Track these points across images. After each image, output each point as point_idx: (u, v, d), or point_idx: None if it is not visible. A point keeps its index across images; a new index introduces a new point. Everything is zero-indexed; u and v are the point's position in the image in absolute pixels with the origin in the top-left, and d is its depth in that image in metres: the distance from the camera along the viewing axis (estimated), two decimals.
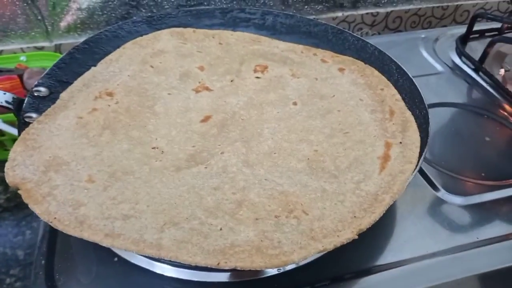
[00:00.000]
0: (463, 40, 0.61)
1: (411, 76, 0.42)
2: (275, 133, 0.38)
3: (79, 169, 0.32)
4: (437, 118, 0.49)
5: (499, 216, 0.41)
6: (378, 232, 0.36)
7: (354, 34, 0.50)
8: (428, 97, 0.51)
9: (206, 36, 0.51)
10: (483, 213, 0.41)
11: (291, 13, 0.54)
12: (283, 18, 0.53)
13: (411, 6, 0.78)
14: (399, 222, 0.38)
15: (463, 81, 0.56)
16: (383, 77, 0.44)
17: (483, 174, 0.44)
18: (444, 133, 0.47)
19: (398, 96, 0.41)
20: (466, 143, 0.47)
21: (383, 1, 0.79)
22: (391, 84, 0.43)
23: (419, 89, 0.41)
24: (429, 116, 0.38)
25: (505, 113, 0.51)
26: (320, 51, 0.49)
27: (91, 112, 0.38)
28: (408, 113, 0.39)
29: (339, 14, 0.77)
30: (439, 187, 0.41)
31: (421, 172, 0.42)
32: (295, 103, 0.42)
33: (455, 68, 0.58)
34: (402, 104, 0.40)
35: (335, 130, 0.38)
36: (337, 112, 0.40)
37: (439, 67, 0.58)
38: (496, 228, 0.40)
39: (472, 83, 0.55)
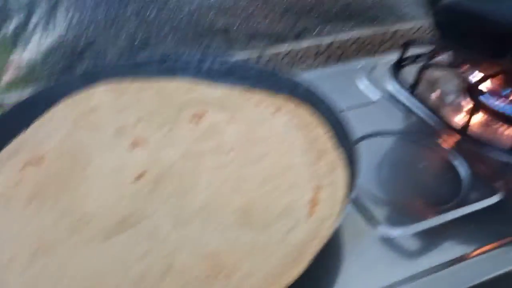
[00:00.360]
0: (397, 67, 0.64)
1: (339, 113, 0.44)
2: (209, 185, 0.38)
3: (2, 249, 0.31)
4: (373, 148, 0.50)
5: (444, 241, 0.42)
6: (322, 275, 0.36)
7: (287, 75, 0.51)
8: (364, 128, 0.52)
9: (143, 87, 0.51)
10: (428, 240, 0.41)
11: (226, 58, 0.55)
12: (219, 63, 0.54)
13: (351, 36, 0.81)
14: (344, 262, 0.38)
15: (398, 108, 0.58)
16: (315, 116, 0.45)
17: (423, 201, 0.45)
18: (380, 163, 0.49)
19: (329, 135, 0.42)
20: (403, 171, 0.48)
21: (324, 33, 0.82)
22: (322, 123, 0.44)
23: (347, 125, 0.42)
24: (363, 149, 0.39)
25: (439, 138, 0.52)
26: (256, 93, 0.50)
27: (18, 183, 0.37)
28: (337, 152, 0.40)
29: (283, 48, 0.79)
30: (380, 220, 0.42)
31: (360, 207, 0.42)
32: (230, 151, 0.42)
33: (390, 96, 0.60)
34: (332, 143, 0.41)
35: (268, 176, 0.38)
36: (271, 156, 0.40)
37: (375, 96, 0.60)
38: (443, 254, 0.40)
39: (407, 110, 0.57)
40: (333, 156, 0.39)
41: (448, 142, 0.51)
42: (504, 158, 0.49)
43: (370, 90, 0.61)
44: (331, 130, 0.43)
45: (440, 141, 0.52)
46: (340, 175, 0.37)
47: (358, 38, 0.80)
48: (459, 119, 0.54)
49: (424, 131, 0.54)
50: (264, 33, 0.81)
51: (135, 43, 0.73)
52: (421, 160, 0.50)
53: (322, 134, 0.42)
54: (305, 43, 0.78)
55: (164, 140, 0.44)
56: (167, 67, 0.54)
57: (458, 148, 0.51)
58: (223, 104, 0.48)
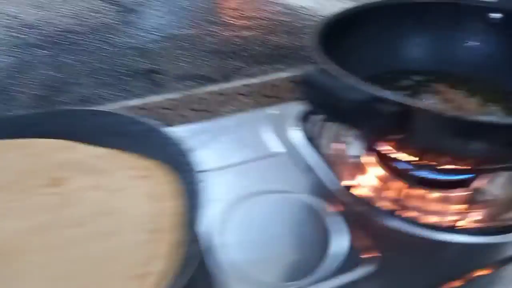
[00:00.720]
0: (305, 115, 0.61)
1: (199, 182, 0.41)
2: (30, 272, 0.35)
3: None
4: (252, 210, 0.47)
5: None
6: None
7: (166, 133, 0.49)
8: (255, 184, 0.50)
9: (12, 146, 0.48)
10: None
11: (112, 111, 0.52)
12: (102, 117, 0.52)
13: (283, 76, 0.79)
14: None
15: (296, 163, 0.54)
16: (177, 185, 0.42)
17: (295, 273, 0.41)
18: (252, 229, 0.45)
19: (180, 210, 0.39)
20: (279, 239, 0.44)
21: (255, 73, 0.80)
22: (180, 194, 0.41)
23: (201, 200, 0.39)
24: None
25: (328, 199, 0.49)
26: (130, 156, 0.47)
27: None
28: (178, 233, 0.37)
29: (213, 88, 0.77)
30: None
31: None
32: (79, 225, 0.39)
33: (292, 148, 0.56)
34: (179, 219, 0.38)
35: (94, 263, 0.35)
36: (113, 235, 0.38)
37: (278, 148, 0.57)
38: None
39: (305, 165, 0.54)
40: (166, 239, 0.36)
41: (335, 203, 0.48)
42: (386, 222, 0.46)
43: (274, 141, 0.58)
44: (184, 204, 0.40)
45: (328, 202, 0.48)
46: (160, 266, 0.34)
47: (291, 78, 0.78)
48: (349, 178, 0.50)
49: (316, 190, 0.50)
50: (191, 74, 0.80)
51: (50, 88, 0.72)
52: (303, 225, 0.46)
53: (171, 208, 0.39)
54: (235, 84, 0.77)
55: (13, 211, 0.41)
56: (46, 123, 0.52)
57: (343, 210, 0.47)
58: (91, 167, 0.46)
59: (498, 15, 0.54)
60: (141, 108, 0.71)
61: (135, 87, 0.76)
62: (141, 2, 0.71)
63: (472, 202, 0.48)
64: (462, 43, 0.57)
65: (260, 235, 0.45)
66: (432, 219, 0.46)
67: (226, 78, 0.79)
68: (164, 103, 0.73)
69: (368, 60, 0.56)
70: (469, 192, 0.48)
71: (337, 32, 0.52)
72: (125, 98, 0.73)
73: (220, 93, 0.76)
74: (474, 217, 0.47)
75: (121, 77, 0.77)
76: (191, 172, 0.43)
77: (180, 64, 0.81)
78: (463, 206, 0.47)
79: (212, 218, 0.46)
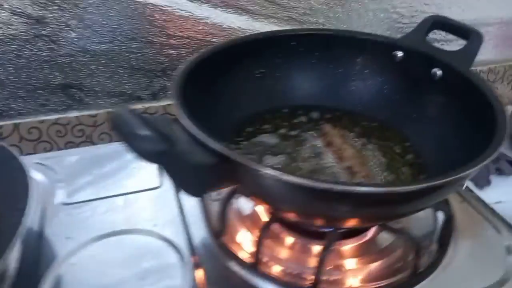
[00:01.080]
0: None
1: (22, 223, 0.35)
2: None
3: None
4: (103, 252, 0.41)
5: None
6: None
7: (14, 162, 0.43)
8: (116, 223, 0.45)
9: None
10: None
11: None
12: None
13: None
14: None
15: (173, 200, 0.49)
16: None
17: None
18: (103, 275, 0.39)
19: None
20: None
21: None
22: None
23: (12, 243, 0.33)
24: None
25: (195, 248, 0.43)
26: None
27: None
28: None
29: (139, 106, 0.73)
30: None
31: None
32: None
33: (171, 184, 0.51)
34: None
35: None
36: None
37: (156, 183, 0.51)
38: None
39: (179, 204, 0.48)
40: None
41: (197, 254, 0.42)
42: (247, 278, 0.39)
43: (156, 173, 0.53)
44: None
45: (190, 250, 0.42)
46: None
47: None
48: (220, 226, 0.44)
49: (181, 235, 0.44)
50: (115, 91, 0.75)
51: None
52: (155, 273, 0.40)
53: None
54: (164, 102, 0.72)
55: None
56: None
57: (201, 262, 0.41)
58: None
59: (400, 53, 0.49)
60: (54, 123, 0.67)
61: (52, 102, 0.71)
62: (54, 15, 0.65)
63: (360, 255, 0.42)
64: (365, 81, 0.51)
65: (104, 282, 0.39)
66: (306, 277, 0.39)
67: (154, 97, 0.74)
68: (84, 119, 0.69)
69: (267, 93, 0.50)
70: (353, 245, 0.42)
71: (229, 64, 0.47)
72: (40, 113, 0.69)
73: (146, 112, 0.72)
74: (354, 277, 0.40)
75: (35, 90, 0.72)
76: (17, 210, 0.37)
77: (101, 80, 0.76)
78: (351, 260, 0.41)
79: (56, 259, 0.41)
